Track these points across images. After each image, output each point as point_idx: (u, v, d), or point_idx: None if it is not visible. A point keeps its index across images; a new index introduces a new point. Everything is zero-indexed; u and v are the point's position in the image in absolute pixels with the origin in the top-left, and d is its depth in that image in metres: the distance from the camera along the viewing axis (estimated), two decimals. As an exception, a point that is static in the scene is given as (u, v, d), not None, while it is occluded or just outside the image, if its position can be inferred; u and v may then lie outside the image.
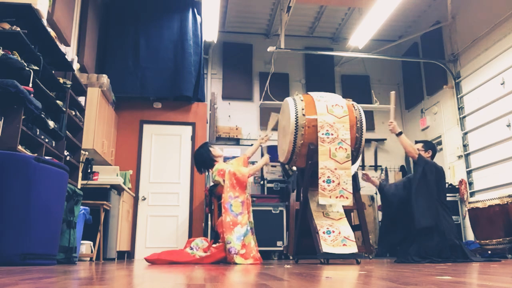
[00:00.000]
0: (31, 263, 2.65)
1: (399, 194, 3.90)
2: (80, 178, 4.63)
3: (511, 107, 5.38)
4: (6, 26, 3.22)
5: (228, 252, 3.74)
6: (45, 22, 3.71)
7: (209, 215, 4.62)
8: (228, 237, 3.77)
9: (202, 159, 4.28)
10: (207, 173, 6.29)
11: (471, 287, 1.30)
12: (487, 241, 4.65)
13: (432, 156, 4.03)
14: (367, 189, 7.16)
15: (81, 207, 3.83)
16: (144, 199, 6.18)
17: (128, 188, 5.73)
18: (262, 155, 6.89)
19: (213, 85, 7.65)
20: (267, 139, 4.49)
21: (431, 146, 4.11)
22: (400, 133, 3.99)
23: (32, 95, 3.18)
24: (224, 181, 3.98)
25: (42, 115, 3.51)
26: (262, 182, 6.63)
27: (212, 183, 4.28)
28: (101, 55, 6.18)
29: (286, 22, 6.38)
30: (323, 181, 3.59)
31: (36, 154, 3.29)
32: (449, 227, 3.62)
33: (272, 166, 6.67)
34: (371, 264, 3.30)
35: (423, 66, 7.50)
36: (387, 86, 8.16)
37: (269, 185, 6.48)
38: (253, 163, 5.06)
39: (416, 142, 4.28)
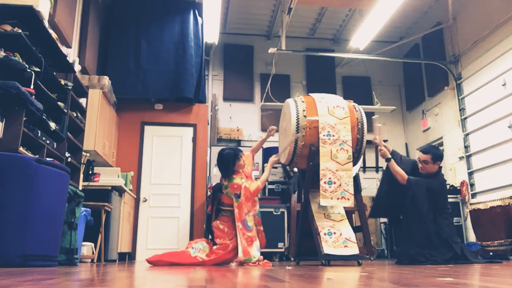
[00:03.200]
0: (32, 265, 2.65)
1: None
2: (81, 180, 4.63)
3: (512, 108, 5.37)
4: (8, 27, 3.22)
5: (252, 263, 3.74)
6: (46, 24, 3.71)
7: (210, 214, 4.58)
8: (251, 253, 3.75)
9: (225, 162, 4.00)
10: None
11: (473, 288, 1.30)
12: (489, 243, 4.63)
13: (440, 167, 3.81)
14: (368, 190, 7.16)
15: (82, 208, 3.83)
16: (145, 200, 6.18)
17: (129, 189, 5.73)
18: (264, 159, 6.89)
19: (214, 87, 7.65)
20: (275, 129, 4.26)
21: (440, 157, 3.77)
22: (389, 160, 3.78)
23: (33, 96, 3.18)
24: (234, 195, 3.89)
25: (44, 117, 3.51)
26: (263, 184, 6.62)
27: (218, 181, 4.23)
28: (102, 56, 6.18)
29: (287, 24, 6.38)
30: (325, 183, 3.59)
31: (37, 156, 3.30)
32: (451, 233, 3.61)
33: (273, 167, 6.65)
34: (373, 266, 3.30)
35: (424, 67, 7.49)
36: (388, 87, 8.17)
37: (270, 186, 6.47)
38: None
39: (422, 152, 3.82)
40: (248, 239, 3.78)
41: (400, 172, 3.72)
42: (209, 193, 6.45)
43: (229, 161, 3.96)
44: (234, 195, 3.88)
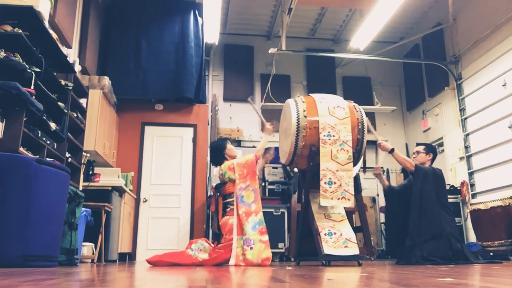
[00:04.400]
0: (32, 265, 2.65)
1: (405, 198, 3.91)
2: (81, 180, 4.63)
3: (512, 108, 5.37)
4: (8, 28, 3.22)
5: (243, 244, 3.70)
6: (46, 24, 3.71)
7: (213, 213, 4.59)
8: (243, 230, 3.73)
9: (214, 151, 4.31)
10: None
11: (473, 289, 1.30)
12: (489, 243, 4.63)
13: (433, 159, 4.04)
14: (369, 190, 7.16)
15: (83, 209, 3.83)
16: (146, 200, 6.18)
17: (130, 189, 5.73)
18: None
19: (214, 87, 7.65)
20: (273, 126, 4.26)
21: (432, 149, 4.12)
22: (393, 150, 3.95)
23: (33, 97, 3.18)
24: (235, 175, 3.99)
25: (44, 117, 3.51)
26: (263, 184, 6.63)
27: (219, 181, 4.26)
28: (102, 57, 6.19)
29: (287, 24, 6.38)
30: (325, 183, 3.59)
31: (37, 156, 3.30)
32: (452, 230, 3.62)
33: (274, 168, 6.66)
34: (373, 266, 3.29)
35: (424, 67, 7.49)
36: (388, 87, 8.17)
37: (271, 186, 6.47)
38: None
39: (418, 144, 4.27)
40: (242, 215, 3.77)
41: (407, 159, 3.96)
42: (209, 193, 6.45)
43: (217, 147, 4.27)
44: (233, 175, 4.00)
